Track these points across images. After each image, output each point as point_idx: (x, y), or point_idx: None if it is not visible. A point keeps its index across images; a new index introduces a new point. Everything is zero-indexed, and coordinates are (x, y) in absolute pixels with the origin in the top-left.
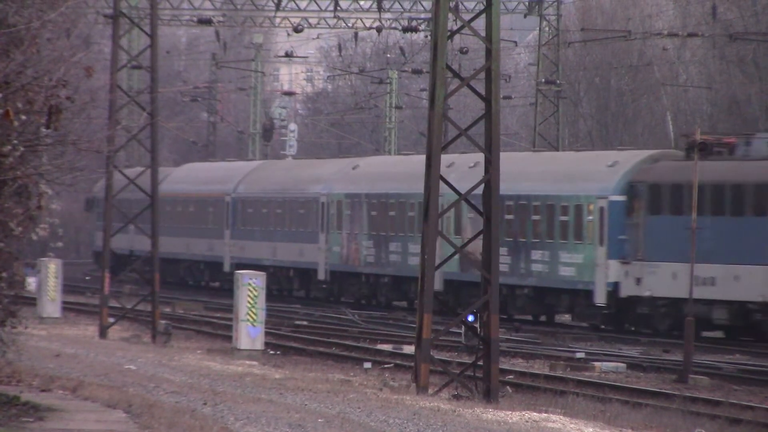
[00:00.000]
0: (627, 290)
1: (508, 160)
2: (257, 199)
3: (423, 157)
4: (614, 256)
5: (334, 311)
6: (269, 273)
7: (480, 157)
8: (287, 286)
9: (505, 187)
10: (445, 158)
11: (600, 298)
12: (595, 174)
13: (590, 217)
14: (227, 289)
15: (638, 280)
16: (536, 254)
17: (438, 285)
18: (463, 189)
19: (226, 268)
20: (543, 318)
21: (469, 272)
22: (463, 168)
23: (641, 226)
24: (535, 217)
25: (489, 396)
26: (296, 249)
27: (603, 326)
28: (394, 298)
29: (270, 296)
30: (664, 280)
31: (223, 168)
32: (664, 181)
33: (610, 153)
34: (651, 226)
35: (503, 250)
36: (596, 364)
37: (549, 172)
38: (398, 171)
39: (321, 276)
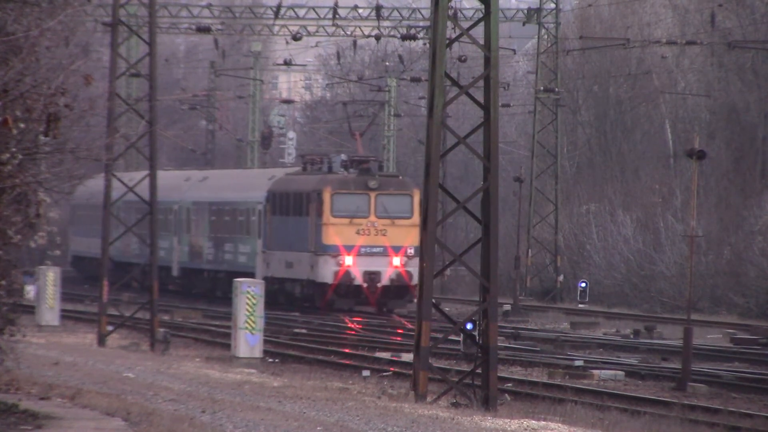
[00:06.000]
0: (263, 272)
1: (217, 175)
2: (85, 204)
3: (177, 173)
4: (264, 247)
5: (332, 319)
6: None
7: (208, 173)
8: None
9: (212, 195)
10: (182, 174)
11: (258, 279)
12: (260, 185)
13: (254, 218)
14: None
15: (268, 265)
16: (227, 246)
17: (176, 272)
18: (195, 198)
19: (68, 258)
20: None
21: (195, 262)
22: (195, 182)
23: (269, 224)
24: (227, 218)
25: (487, 404)
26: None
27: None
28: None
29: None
30: (278, 264)
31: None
32: (277, 190)
33: (275, 170)
34: (273, 224)
35: (209, 244)
36: (595, 371)
37: (239, 184)
38: (162, 184)
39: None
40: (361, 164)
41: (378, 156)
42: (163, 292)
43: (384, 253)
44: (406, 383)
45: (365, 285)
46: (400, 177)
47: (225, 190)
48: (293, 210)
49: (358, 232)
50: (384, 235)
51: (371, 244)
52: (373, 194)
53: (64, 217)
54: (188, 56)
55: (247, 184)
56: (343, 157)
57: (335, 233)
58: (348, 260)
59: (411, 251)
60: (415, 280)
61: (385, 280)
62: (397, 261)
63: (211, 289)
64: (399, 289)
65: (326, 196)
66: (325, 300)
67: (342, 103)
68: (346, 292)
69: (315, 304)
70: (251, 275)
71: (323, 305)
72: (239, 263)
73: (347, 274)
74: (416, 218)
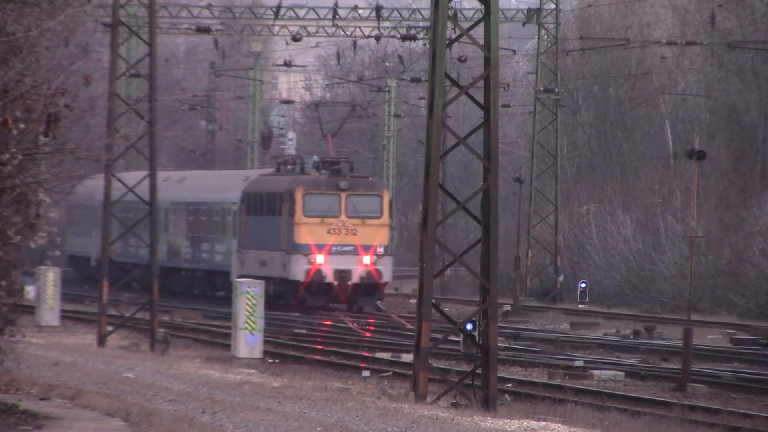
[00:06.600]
0: (238, 271)
1: (195, 176)
2: (81, 204)
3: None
4: (239, 247)
5: (332, 319)
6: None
7: (185, 174)
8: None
9: (190, 196)
10: (161, 174)
11: (234, 277)
12: (235, 186)
13: (229, 218)
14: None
15: (243, 263)
16: (204, 245)
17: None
18: (173, 198)
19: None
20: (220, 293)
21: (174, 261)
22: (174, 183)
23: (244, 224)
24: (203, 218)
25: (487, 404)
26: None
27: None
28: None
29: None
30: (252, 263)
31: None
32: (251, 191)
33: (250, 171)
34: (247, 224)
35: (187, 243)
36: (595, 372)
37: (215, 184)
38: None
39: (92, 263)
40: (332, 165)
41: (350, 157)
42: (143, 290)
43: (354, 251)
44: (406, 383)
45: (336, 283)
46: (370, 178)
47: (202, 190)
48: (267, 210)
49: (329, 232)
50: (354, 234)
51: (342, 243)
52: (343, 194)
53: (63, 217)
54: (188, 56)
55: (223, 185)
56: (315, 158)
57: (307, 232)
58: (319, 259)
59: (381, 250)
60: (385, 278)
61: (355, 278)
62: (367, 259)
63: (189, 287)
64: (369, 287)
65: (298, 197)
66: (297, 298)
67: (314, 105)
68: (317, 289)
69: (288, 302)
70: (227, 274)
71: (295, 303)
72: (215, 262)
73: (318, 272)
74: (386, 218)
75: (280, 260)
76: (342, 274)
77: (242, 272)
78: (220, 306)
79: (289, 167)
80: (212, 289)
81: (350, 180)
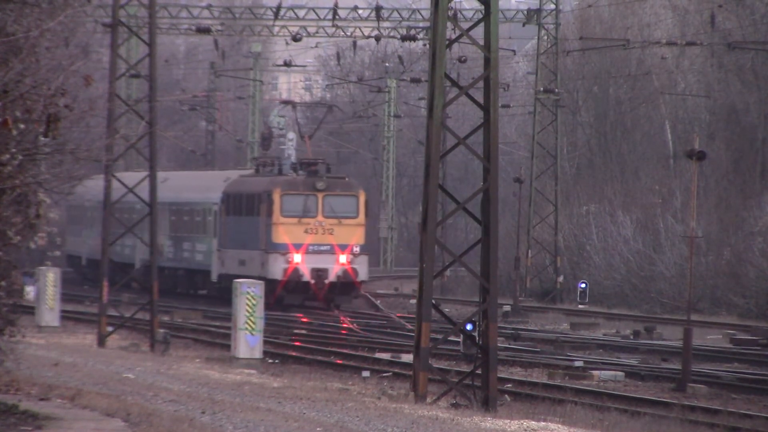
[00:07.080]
0: (218, 270)
1: (177, 176)
2: (76, 205)
3: (139, 174)
4: (219, 246)
5: (332, 320)
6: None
7: (168, 174)
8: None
9: (172, 196)
10: (144, 175)
11: (214, 276)
12: (216, 186)
13: (210, 218)
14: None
15: (223, 263)
16: (186, 245)
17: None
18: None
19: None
20: (200, 292)
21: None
22: (158, 183)
23: (224, 224)
24: (185, 218)
25: (487, 404)
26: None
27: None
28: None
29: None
30: (231, 262)
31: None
32: (231, 191)
33: (230, 172)
34: (227, 223)
35: (169, 242)
36: (595, 372)
37: (197, 185)
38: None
39: (83, 262)
40: (309, 166)
41: (325, 159)
42: (128, 288)
43: (331, 251)
44: (406, 384)
45: (313, 281)
46: (347, 179)
47: (184, 191)
48: (246, 210)
49: (306, 231)
50: (331, 234)
51: (319, 242)
52: (320, 195)
53: (63, 218)
54: (188, 57)
55: (204, 186)
56: (293, 159)
57: (284, 232)
58: (297, 258)
59: (357, 249)
60: (361, 277)
61: (332, 277)
62: (343, 258)
63: (172, 285)
64: (345, 285)
65: (276, 197)
66: (275, 296)
67: (291, 104)
68: (294, 288)
69: (267, 301)
70: (207, 273)
71: (273, 302)
72: (196, 261)
73: (296, 271)
74: (362, 218)
75: (258, 259)
76: (319, 273)
77: (222, 271)
78: (220, 306)
79: (267, 168)
80: (194, 287)
81: (327, 181)
